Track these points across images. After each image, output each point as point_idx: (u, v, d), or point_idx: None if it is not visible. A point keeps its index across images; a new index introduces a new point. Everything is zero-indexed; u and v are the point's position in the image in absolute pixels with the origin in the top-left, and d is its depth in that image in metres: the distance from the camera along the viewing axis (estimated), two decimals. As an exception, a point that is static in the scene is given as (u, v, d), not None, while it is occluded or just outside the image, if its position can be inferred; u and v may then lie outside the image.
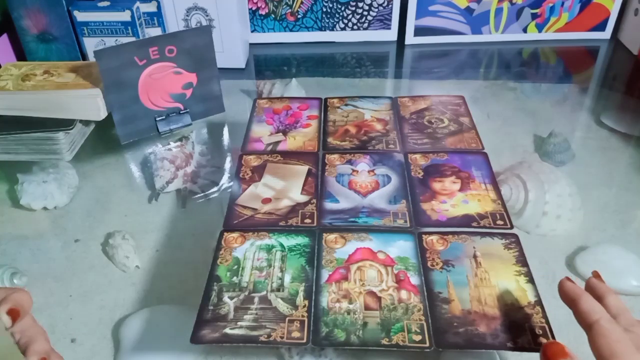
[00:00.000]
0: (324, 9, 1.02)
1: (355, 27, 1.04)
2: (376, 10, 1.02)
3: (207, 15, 0.92)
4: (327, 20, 1.04)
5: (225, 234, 0.53)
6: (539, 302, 0.45)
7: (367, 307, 0.45)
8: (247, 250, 0.51)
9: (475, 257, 0.50)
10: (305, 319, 0.44)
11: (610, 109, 0.85)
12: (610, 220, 0.64)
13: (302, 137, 0.67)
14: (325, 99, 0.74)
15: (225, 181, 0.71)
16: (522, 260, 0.49)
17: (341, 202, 0.57)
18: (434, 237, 0.52)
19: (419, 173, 0.60)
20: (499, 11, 1.02)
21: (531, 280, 0.47)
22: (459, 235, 0.52)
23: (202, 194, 0.69)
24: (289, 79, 0.85)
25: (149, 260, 0.61)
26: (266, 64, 1.03)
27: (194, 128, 0.78)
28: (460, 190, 0.58)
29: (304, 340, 0.43)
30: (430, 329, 0.43)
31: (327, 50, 1.05)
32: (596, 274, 0.43)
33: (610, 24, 1.04)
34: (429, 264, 0.49)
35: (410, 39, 1.05)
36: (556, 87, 0.93)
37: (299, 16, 1.03)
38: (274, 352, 0.50)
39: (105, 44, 0.88)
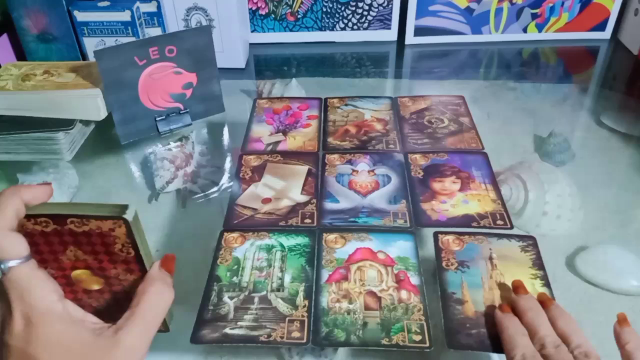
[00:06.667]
0: (324, 9, 1.02)
1: (355, 27, 1.04)
2: (376, 10, 1.02)
3: (207, 15, 0.92)
4: (327, 20, 1.04)
5: (225, 234, 0.53)
6: None
7: (367, 307, 0.45)
8: (247, 250, 0.51)
9: (491, 258, 0.49)
10: (305, 319, 0.44)
11: (610, 109, 0.85)
12: (610, 220, 0.64)
13: (302, 137, 0.67)
14: (325, 99, 0.74)
15: (225, 181, 0.71)
16: (538, 264, 0.49)
17: (341, 202, 0.57)
18: (450, 237, 0.51)
19: (419, 173, 0.60)
20: (499, 11, 1.02)
21: (547, 284, 0.47)
22: (475, 235, 0.52)
23: (202, 194, 0.69)
24: (289, 79, 0.85)
25: (149, 260, 0.61)
26: (266, 64, 1.03)
27: (194, 128, 0.78)
28: (460, 190, 0.57)
29: (304, 340, 0.43)
30: (430, 329, 0.43)
31: (327, 50, 1.05)
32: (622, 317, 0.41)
33: (610, 24, 1.04)
34: (444, 263, 0.49)
35: (410, 39, 1.05)
36: (556, 87, 0.93)
37: (299, 16, 1.03)
38: (274, 352, 0.50)
39: (105, 44, 0.88)
